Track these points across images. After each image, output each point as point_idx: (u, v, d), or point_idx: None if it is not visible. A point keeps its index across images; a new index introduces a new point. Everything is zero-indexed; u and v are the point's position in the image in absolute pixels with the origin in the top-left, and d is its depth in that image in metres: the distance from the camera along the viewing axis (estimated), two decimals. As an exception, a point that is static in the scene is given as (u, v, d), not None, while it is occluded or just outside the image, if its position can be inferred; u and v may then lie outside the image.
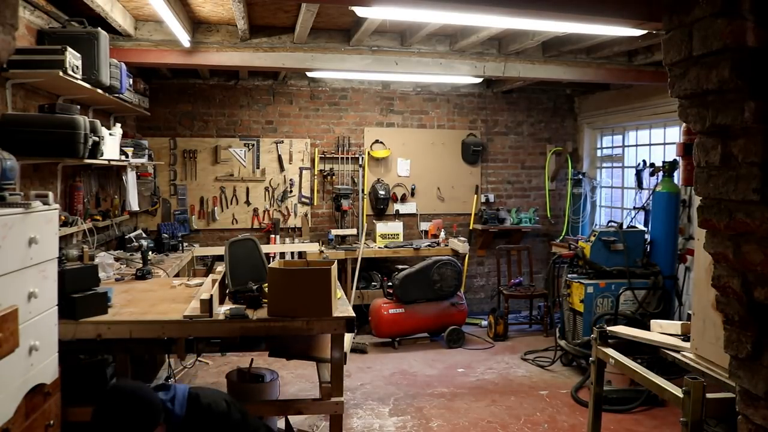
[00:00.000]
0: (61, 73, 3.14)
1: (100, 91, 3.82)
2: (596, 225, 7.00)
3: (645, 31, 3.85)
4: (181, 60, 4.78)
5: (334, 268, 3.19)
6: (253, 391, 3.63)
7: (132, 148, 4.87)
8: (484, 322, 6.50)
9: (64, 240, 3.88)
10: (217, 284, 3.22)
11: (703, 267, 2.40)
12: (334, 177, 6.72)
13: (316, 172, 6.70)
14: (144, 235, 5.42)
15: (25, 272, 2.26)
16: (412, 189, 6.94)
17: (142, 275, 3.92)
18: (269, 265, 3.07)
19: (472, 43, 4.90)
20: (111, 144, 4.13)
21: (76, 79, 3.34)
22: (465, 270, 6.64)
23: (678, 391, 2.19)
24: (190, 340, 3.17)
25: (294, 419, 3.76)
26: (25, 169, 3.39)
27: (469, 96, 7.09)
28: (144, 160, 5.17)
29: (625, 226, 5.28)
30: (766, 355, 1.39)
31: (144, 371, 4.16)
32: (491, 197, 7.14)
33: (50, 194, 2.63)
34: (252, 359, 4.10)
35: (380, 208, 6.78)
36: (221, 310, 3.06)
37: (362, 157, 6.78)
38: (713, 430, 2.35)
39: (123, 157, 4.62)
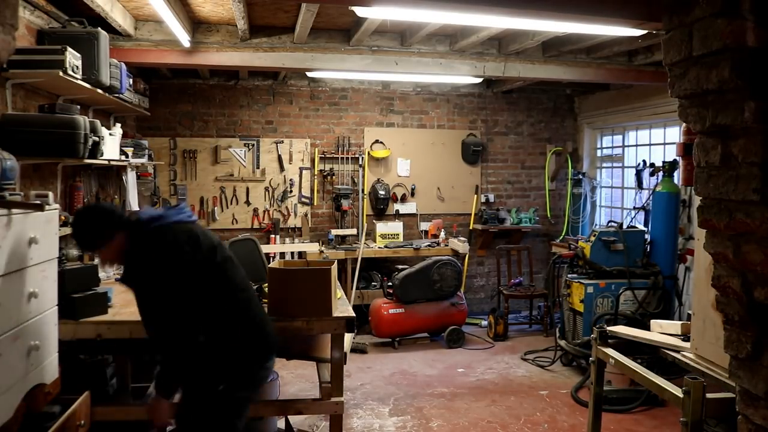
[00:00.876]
0: (61, 73, 3.14)
1: (100, 91, 3.82)
2: (596, 225, 7.00)
3: (645, 31, 3.85)
4: (181, 60, 4.79)
5: (334, 267, 3.19)
6: (253, 391, 3.62)
7: (132, 148, 4.86)
8: (484, 322, 6.50)
9: (65, 240, 3.88)
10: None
11: (703, 267, 2.40)
12: (334, 177, 6.72)
13: (316, 172, 6.70)
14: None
15: (25, 272, 2.25)
16: (412, 189, 6.94)
17: None
18: (270, 265, 3.06)
19: (472, 43, 4.90)
20: (111, 144, 4.13)
21: (76, 79, 3.34)
22: (465, 270, 6.64)
23: (678, 391, 2.19)
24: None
25: (294, 419, 3.77)
26: (25, 169, 3.38)
27: (469, 96, 7.09)
28: (144, 160, 5.17)
29: (625, 226, 5.28)
30: (766, 355, 1.39)
31: (144, 371, 4.16)
32: (491, 197, 7.15)
33: (50, 194, 2.63)
34: (252, 359, 4.10)
35: (380, 208, 6.78)
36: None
37: (362, 157, 6.78)
38: (713, 430, 2.35)
39: (123, 157, 4.61)
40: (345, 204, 6.53)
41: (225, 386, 2.39)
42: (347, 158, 6.75)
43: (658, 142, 6.26)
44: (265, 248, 4.85)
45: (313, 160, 6.70)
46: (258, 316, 2.52)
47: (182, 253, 2.29)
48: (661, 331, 2.86)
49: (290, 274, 3.04)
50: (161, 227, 2.32)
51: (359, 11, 3.80)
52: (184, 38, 4.43)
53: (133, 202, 5.19)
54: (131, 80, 4.92)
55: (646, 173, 5.85)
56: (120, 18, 4.14)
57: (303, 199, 6.68)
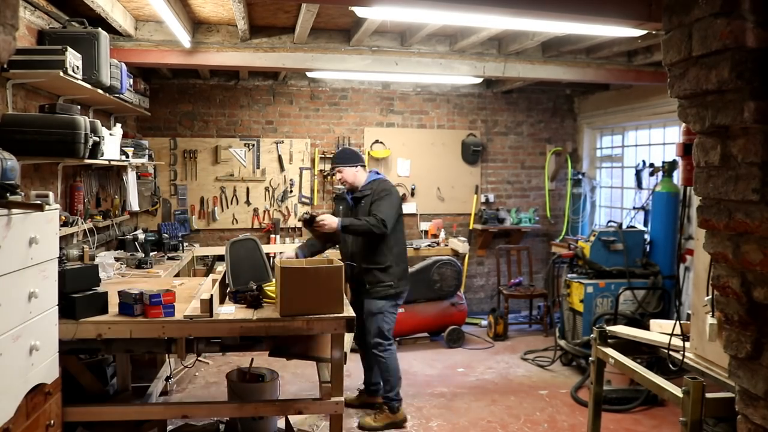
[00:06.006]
0: (61, 74, 3.14)
1: (100, 91, 3.82)
2: (596, 225, 7.00)
3: (645, 32, 3.85)
4: (181, 60, 4.79)
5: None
6: (253, 391, 3.63)
7: (132, 148, 4.86)
8: (484, 322, 6.50)
9: (65, 240, 3.88)
10: (217, 284, 3.22)
11: (702, 267, 2.40)
12: (334, 177, 6.71)
13: (316, 172, 6.71)
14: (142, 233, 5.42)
15: (25, 272, 2.26)
16: (412, 189, 6.94)
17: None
18: (281, 266, 3.06)
19: (472, 43, 4.90)
20: (111, 144, 4.13)
21: (77, 79, 3.34)
22: (465, 270, 6.64)
23: (677, 391, 2.20)
24: (190, 339, 3.17)
25: (294, 419, 3.77)
26: (26, 169, 3.39)
27: (469, 96, 7.09)
28: (144, 160, 5.17)
29: (624, 226, 5.29)
30: (766, 355, 1.39)
31: (144, 371, 4.17)
32: (491, 197, 7.15)
33: (51, 194, 2.63)
34: (252, 359, 4.10)
35: (380, 208, 6.76)
36: (221, 310, 3.06)
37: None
38: (713, 429, 2.35)
39: (123, 157, 4.61)
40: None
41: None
42: (347, 158, 6.74)
43: (658, 142, 6.26)
44: (265, 248, 4.84)
45: (313, 160, 6.70)
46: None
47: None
48: (661, 331, 2.86)
49: (304, 273, 3.05)
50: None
51: (359, 11, 3.80)
52: (185, 38, 4.44)
53: (134, 202, 5.19)
54: (131, 80, 4.92)
55: (645, 173, 5.85)
56: (120, 18, 4.14)
57: (303, 199, 6.68)
